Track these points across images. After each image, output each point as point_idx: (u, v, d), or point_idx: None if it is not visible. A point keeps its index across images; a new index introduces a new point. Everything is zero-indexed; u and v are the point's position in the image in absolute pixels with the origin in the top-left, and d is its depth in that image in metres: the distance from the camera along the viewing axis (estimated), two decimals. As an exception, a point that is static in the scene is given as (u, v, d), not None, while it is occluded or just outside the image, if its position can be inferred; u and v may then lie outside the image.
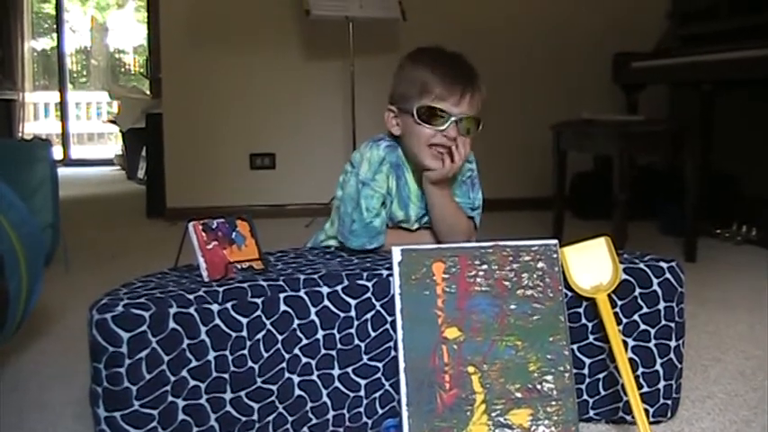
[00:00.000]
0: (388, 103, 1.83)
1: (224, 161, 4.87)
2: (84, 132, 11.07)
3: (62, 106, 9.92)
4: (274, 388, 1.44)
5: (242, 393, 1.41)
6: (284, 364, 1.45)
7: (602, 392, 1.59)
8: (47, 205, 3.21)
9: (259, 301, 1.42)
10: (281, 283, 1.46)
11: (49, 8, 10.89)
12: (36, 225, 2.17)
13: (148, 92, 7.94)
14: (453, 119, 1.72)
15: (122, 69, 12.62)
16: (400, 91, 1.79)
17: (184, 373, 1.35)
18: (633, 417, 1.44)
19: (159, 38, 4.99)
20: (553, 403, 1.46)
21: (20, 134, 8.58)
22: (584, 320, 1.56)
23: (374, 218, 1.76)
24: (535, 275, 1.52)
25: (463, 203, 1.87)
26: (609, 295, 1.54)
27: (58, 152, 9.20)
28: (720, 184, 3.87)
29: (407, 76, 1.78)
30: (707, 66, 3.61)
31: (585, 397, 1.58)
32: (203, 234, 1.48)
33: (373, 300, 1.50)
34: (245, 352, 1.41)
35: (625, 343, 1.56)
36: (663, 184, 4.18)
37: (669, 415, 1.62)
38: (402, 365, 1.43)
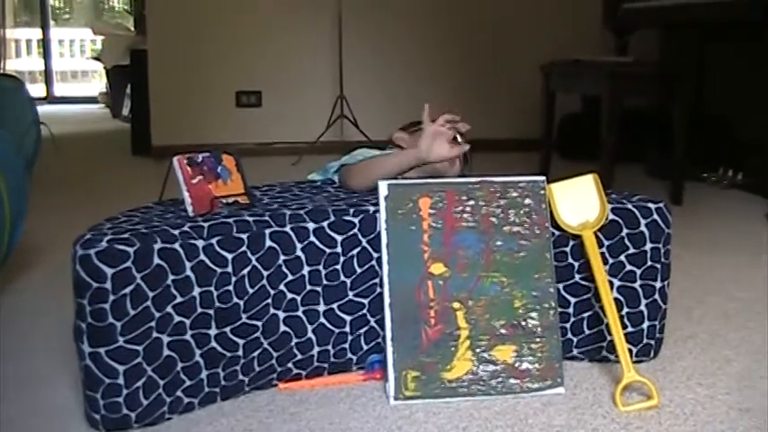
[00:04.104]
0: None
1: (210, 99, 4.82)
2: (67, 70, 10.90)
3: (45, 43, 9.77)
4: (259, 324, 1.44)
5: (227, 329, 1.41)
6: (269, 300, 1.44)
7: (587, 331, 1.60)
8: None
9: (244, 236, 1.41)
10: (267, 218, 1.44)
11: (31, -59, 10.65)
12: (20, 163, 2.14)
13: (133, 28, 7.81)
14: None
15: (106, 6, 12.39)
16: None
17: (169, 309, 1.34)
18: (617, 356, 1.45)
19: (143, -28, 4.90)
20: (537, 340, 1.47)
21: (1, 71, 8.46)
22: (570, 260, 1.56)
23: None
24: (522, 212, 1.51)
25: None
26: (596, 235, 1.54)
27: (41, 90, 9.11)
28: (709, 128, 3.85)
29: None
30: (698, 7, 3.57)
31: (570, 335, 1.59)
32: (188, 168, 1.46)
33: (359, 236, 1.49)
34: (231, 288, 1.40)
35: (611, 283, 1.56)
36: (651, 127, 4.17)
37: (652, 355, 1.63)
38: (387, 301, 1.44)
